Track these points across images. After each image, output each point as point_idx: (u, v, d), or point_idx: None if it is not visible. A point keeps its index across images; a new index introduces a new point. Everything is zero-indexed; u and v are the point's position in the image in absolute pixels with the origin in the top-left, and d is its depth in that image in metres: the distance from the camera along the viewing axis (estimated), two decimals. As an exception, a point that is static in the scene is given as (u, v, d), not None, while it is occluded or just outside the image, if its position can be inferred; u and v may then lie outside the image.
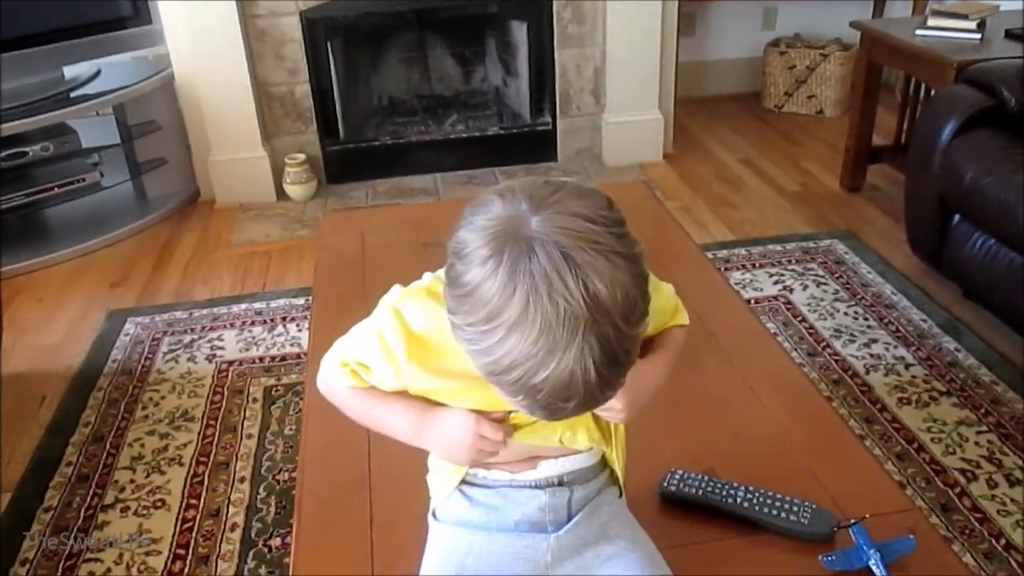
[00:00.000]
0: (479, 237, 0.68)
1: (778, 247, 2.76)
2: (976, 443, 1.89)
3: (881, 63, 2.99)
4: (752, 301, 2.47)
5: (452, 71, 3.73)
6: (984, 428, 1.93)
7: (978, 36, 2.72)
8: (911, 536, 0.98)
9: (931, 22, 2.80)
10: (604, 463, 0.92)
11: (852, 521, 0.99)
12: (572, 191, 0.70)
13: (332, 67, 3.32)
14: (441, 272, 0.81)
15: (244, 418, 2.08)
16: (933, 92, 2.71)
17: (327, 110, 3.37)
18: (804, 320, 2.36)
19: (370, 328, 0.83)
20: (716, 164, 3.51)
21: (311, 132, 3.38)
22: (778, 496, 1.04)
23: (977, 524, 1.68)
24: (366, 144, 3.48)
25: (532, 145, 3.53)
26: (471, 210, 0.70)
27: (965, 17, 2.76)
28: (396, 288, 0.83)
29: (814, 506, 1.03)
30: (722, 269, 2.64)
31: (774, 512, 1.02)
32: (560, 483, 0.87)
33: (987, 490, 1.76)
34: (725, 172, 3.43)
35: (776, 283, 2.55)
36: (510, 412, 0.82)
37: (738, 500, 1.04)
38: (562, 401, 0.68)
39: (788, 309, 2.42)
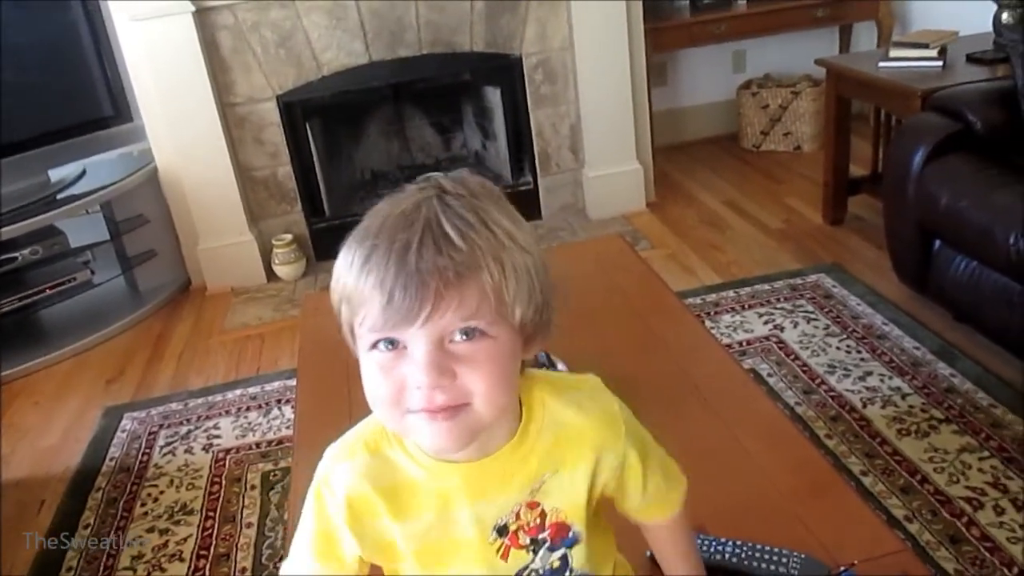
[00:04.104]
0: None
1: (766, 286, 2.77)
2: (980, 470, 1.87)
3: (849, 97, 3.03)
4: (744, 343, 2.46)
5: (431, 140, 3.79)
6: (986, 453, 1.91)
7: (940, 63, 2.77)
8: (903, 579, 0.97)
9: (893, 53, 2.85)
10: None
11: (842, 568, 0.98)
12: None
13: (312, 147, 3.37)
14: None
15: (243, 506, 2.06)
16: (902, 121, 2.75)
17: (311, 189, 3.42)
18: (797, 358, 2.36)
19: (302, 532, 0.76)
20: (699, 208, 3.54)
21: (296, 212, 3.43)
22: (767, 548, 1.03)
23: (987, 554, 1.65)
24: (352, 218, 3.39)
25: (515, 205, 3.52)
26: None
27: (926, 46, 2.81)
28: (328, 452, 0.76)
29: (804, 556, 1.02)
30: (712, 313, 2.64)
31: (763, 565, 1.01)
32: None
33: (995, 517, 1.73)
34: (709, 215, 3.46)
35: (766, 323, 2.55)
36: None
37: (727, 556, 1.03)
38: (406, 234, 0.63)
39: (780, 348, 2.42)
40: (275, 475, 2.15)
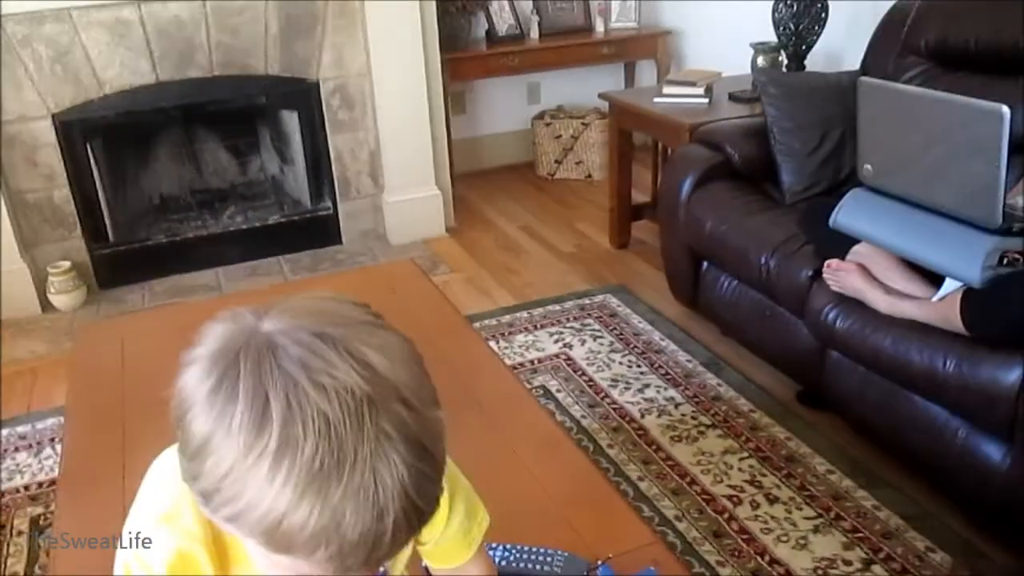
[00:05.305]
0: (199, 369, 0.55)
1: (557, 307, 2.91)
2: (740, 469, 2.05)
3: (629, 129, 3.25)
4: (535, 361, 2.58)
5: (226, 163, 3.68)
6: (745, 454, 2.11)
7: (706, 100, 3.04)
8: (652, 568, 1.06)
9: (666, 90, 3.10)
10: None
11: (599, 563, 1.06)
12: (305, 294, 0.61)
13: (94, 169, 3.19)
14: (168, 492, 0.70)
15: (8, 555, 1.91)
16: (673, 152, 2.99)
17: (92, 213, 3.23)
18: (584, 374, 2.49)
19: None
20: (497, 233, 3.66)
21: (76, 237, 3.22)
22: (534, 549, 1.09)
23: (744, 545, 1.82)
24: (139, 244, 3.35)
25: (315, 231, 3.54)
26: (184, 355, 0.57)
27: (693, 84, 3.07)
28: (137, 523, 0.71)
29: (567, 554, 1.09)
30: (506, 334, 2.74)
31: (530, 566, 1.07)
32: None
33: (751, 511, 1.91)
34: (506, 240, 3.58)
35: (557, 341, 2.68)
36: None
37: (497, 560, 1.08)
38: (378, 525, 0.52)
39: (569, 365, 2.55)
40: (46, 519, 2.01)
